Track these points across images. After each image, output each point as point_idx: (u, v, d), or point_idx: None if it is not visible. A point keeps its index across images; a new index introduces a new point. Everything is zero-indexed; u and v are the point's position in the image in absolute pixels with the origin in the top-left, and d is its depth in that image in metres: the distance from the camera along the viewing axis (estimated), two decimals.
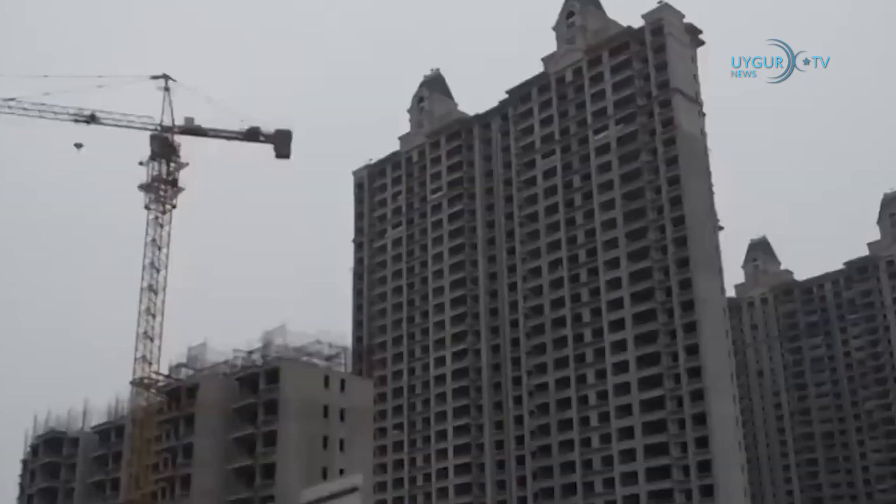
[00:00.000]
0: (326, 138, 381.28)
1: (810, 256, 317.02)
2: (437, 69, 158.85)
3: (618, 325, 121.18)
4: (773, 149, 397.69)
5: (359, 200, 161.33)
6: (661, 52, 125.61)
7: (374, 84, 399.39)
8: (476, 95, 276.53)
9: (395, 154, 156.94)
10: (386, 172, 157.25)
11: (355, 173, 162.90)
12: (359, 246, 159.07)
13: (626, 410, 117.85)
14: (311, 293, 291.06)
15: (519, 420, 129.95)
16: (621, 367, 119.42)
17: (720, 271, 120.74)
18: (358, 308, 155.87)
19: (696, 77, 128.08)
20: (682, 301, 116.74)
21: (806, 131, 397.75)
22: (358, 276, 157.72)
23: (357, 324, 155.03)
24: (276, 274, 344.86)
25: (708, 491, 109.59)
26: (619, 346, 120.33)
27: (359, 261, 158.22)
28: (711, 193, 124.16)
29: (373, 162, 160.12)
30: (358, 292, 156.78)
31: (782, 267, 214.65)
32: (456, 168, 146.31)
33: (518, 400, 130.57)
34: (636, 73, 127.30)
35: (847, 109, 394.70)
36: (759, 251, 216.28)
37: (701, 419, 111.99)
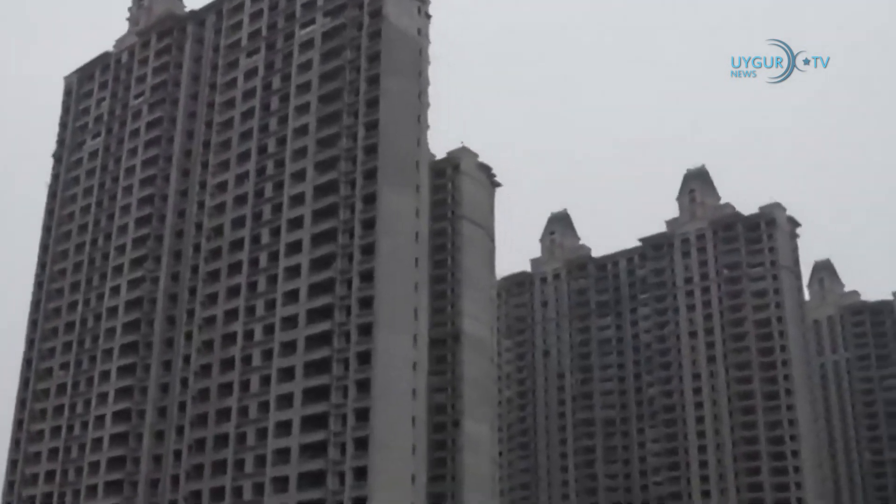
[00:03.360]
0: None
1: (615, 232, 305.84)
2: None
3: (295, 247, 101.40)
4: (597, 124, 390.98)
5: (65, 109, 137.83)
6: None
7: None
8: None
9: (105, 55, 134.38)
10: (95, 77, 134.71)
11: (66, 78, 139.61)
12: (58, 160, 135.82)
13: (291, 347, 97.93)
14: None
15: (187, 360, 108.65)
16: (292, 297, 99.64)
17: (418, 189, 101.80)
18: (47, 230, 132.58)
19: None
20: (363, 219, 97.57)
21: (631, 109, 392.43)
22: (52, 194, 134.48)
23: (43, 248, 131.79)
24: None
25: (363, 443, 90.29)
26: (294, 271, 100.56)
27: (55, 177, 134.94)
28: (423, 104, 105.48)
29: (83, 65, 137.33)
30: (49, 212, 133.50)
31: (581, 242, 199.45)
32: (162, 70, 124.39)
33: (189, 336, 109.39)
34: None
35: (665, 86, 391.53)
36: (558, 224, 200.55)
37: (366, 358, 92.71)
